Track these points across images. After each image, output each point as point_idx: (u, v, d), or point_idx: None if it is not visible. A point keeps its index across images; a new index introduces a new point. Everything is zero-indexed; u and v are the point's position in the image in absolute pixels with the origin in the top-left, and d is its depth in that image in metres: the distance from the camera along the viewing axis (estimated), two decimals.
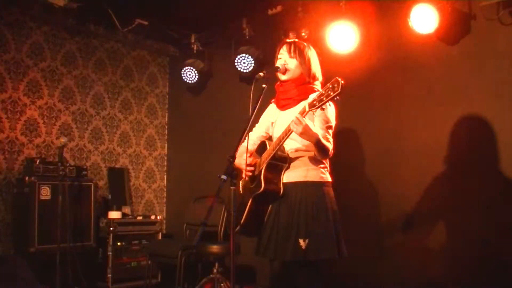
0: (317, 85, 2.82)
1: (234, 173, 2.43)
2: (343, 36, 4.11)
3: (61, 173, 4.33)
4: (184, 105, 5.95)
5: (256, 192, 2.67)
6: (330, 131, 2.72)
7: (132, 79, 5.83)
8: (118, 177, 5.55)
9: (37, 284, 3.63)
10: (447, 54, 3.85)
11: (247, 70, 4.90)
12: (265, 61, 4.70)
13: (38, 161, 4.52)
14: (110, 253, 4.76)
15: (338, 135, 2.92)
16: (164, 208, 6.07)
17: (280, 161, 2.71)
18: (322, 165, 2.74)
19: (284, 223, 2.64)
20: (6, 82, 4.73)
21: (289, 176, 2.71)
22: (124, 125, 5.72)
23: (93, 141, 5.41)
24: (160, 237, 5.22)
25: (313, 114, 2.49)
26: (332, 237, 2.62)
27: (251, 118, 2.57)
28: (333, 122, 2.74)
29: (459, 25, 3.74)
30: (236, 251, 4.04)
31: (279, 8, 4.61)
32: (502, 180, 3.53)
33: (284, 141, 2.61)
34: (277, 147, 2.64)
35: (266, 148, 2.74)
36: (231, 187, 2.45)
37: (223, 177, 2.37)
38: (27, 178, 4.41)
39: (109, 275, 4.73)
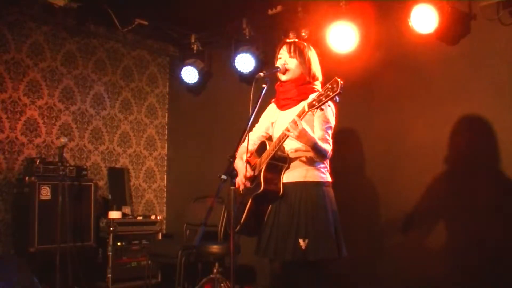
0: (317, 85, 2.82)
1: (234, 173, 2.43)
2: (343, 36, 4.11)
3: (61, 173, 4.32)
4: (184, 105, 5.95)
5: (256, 192, 2.67)
6: (330, 132, 2.71)
7: (132, 79, 5.83)
8: (118, 177, 5.55)
9: (36, 284, 3.63)
10: (447, 54, 3.85)
11: (247, 70, 4.90)
12: (265, 61, 4.70)
13: (38, 161, 4.52)
14: (110, 253, 4.77)
15: (338, 135, 2.92)
16: (164, 208, 6.07)
17: (280, 161, 2.71)
18: (322, 165, 2.74)
19: (284, 223, 2.64)
20: (6, 82, 4.73)
21: (289, 176, 2.71)
22: (124, 125, 5.72)
23: (93, 141, 5.41)
24: (160, 237, 5.22)
25: (313, 114, 2.49)
26: (332, 237, 2.62)
27: (251, 118, 2.57)
28: (332, 123, 2.73)
29: (459, 25, 3.74)
30: (236, 251, 4.05)
31: (279, 8, 4.60)
32: (502, 180, 3.53)
33: (284, 141, 2.61)
34: (277, 147, 2.64)
35: (266, 148, 2.74)
36: (231, 187, 2.45)
37: (223, 177, 2.38)
38: (27, 178, 4.41)
39: (109, 275, 4.73)
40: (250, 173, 2.75)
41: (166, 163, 6.12)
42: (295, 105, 2.75)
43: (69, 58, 5.23)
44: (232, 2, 4.62)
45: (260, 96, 2.63)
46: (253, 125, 2.88)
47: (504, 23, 3.60)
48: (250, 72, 4.87)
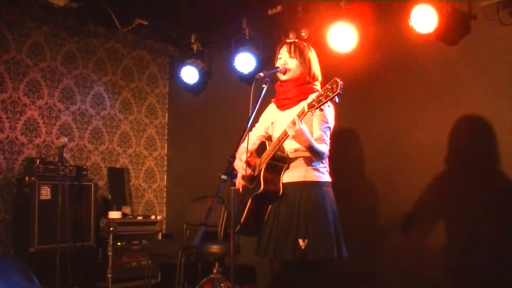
0: (317, 85, 2.82)
1: (234, 173, 2.43)
2: (343, 36, 4.11)
3: (61, 173, 4.32)
4: (184, 105, 5.95)
5: (255, 192, 2.68)
6: (328, 132, 2.71)
7: (132, 79, 5.83)
8: (118, 177, 5.55)
9: (36, 284, 3.63)
10: (447, 54, 3.85)
11: (247, 70, 4.90)
12: (265, 61, 4.70)
13: (38, 161, 4.52)
14: (110, 253, 4.77)
15: (338, 135, 2.93)
16: (164, 208, 6.07)
17: (280, 162, 2.71)
18: (321, 165, 2.74)
19: (283, 223, 2.64)
20: (6, 82, 4.73)
21: (288, 176, 2.71)
22: (124, 125, 5.72)
23: (93, 141, 5.41)
24: (160, 237, 5.22)
25: (312, 114, 2.49)
26: (332, 237, 2.62)
27: (250, 118, 2.57)
28: (331, 123, 2.73)
29: (459, 25, 3.74)
30: (236, 251, 4.05)
31: (279, 8, 4.60)
32: (502, 180, 3.53)
33: (283, 141, 2.61)
34: (277, 148, 2.64)
35: (266, 149, 2.74)
36: (231, 187, 2.45)
37: (223, 177, 2.38)
38: (27, 178, 4.41)
39: (109, 275, 4.73)
40: (249, 171, 2.75)
41: (166, 163, 6.12)
42: (295, 105, 2.76)
43: (69, 58, 5.23)
44: (232, 2, 4.61)
45: (260, 96, 2.63)
46: (253, 125, 2.88)
47: (504, 23, 3.59)
48: (250, 72, 4.86)
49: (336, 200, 2.75)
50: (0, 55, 4.70)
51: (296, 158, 2.71)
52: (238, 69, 4.95)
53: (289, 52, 2.81)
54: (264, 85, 2.66)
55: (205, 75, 5.52)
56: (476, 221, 3.60)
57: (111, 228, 4.78)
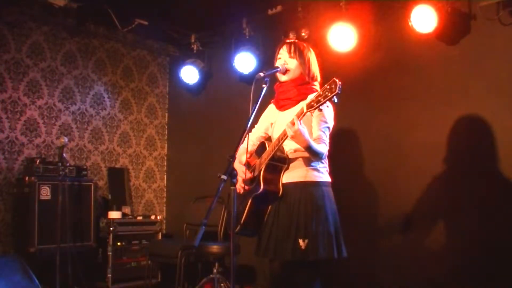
0: (316, 85, 2.81)
1: (234, 173, 2.43)
2: (343, 36, 4.11)
3: (61, 173, 4.32)
4: (184, 105, 5.95)
5: (255, 192, 2.67)
6: (327, 132, 2.71)
7: (132, 79, 5.83)
8: (118, 177, 5.55)
9: (36, 284, 3.63)
10: (447, 54, 3.85)
11: (247, 70, 4.90)
12: (265, 61, 4.70)
13: (38, 161, 4.52)
14: (110, 253, 4.77)
15: (338, 135, 2.93)
16: (164, 208, 6.07)
17: (279, 162, 2.70)
18: (321, 165, 2.73)
19: (283, 223, 2.64)
20: (6, 82, 4.73)
21: (288, 176, 2.70)
22: (124, 125, 5.72)
23: (93, 141, 5.41)
24: (160, 237, 5.22)
25: (311, 114, 2.49)
26: (332, 237, 2.62)
27: (250, 118, 2.56)
28: (330, 123, 2.73)
29: (459, 25, 3.74)
30: (236, 251, 4.05)
31: (279, 8, 4.61)
32: (502, 180, 3.53)
33: (283, 142, 2.60)
34: (276, 148, 2.64)
35: (266, 149, 2.74)
36: (231, 187, 2.44)
37: (223, 177, 2.37)
38: (27, 178, 4.41)
39: (109, 275, 4.73)
40: (249, 175, 2.75)
41: (166, 163, 6.12)
42: (294, 105, 2.75)
43: (69, 58, 5.23)
44: (232, 2, 4.62)
45: (260, 96, 2.63)
46: (252, 126, 2.88)
47: (504, 23, 3.60)
48: (250, 72, 4.86)
49: (336, 200, 2.74)
50: (0, 55, 4.70)
51: (295, 158, 2.71)
52: (238, 69, 4.95)
53: (289, 52, 2.80)
54: (264, 85, 2.66)
55: (205, 75, 5.52)
56: (476, 221, 3.60)
57: (111, 228, 4.78)
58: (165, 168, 6.12)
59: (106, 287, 4.73)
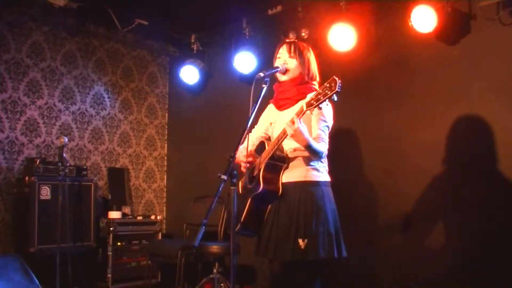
0: (315, 85, 2.81)
1: (234, 173, 2.43)
2: (343, 36, 4.11)
3: (61, 173, 4.32)
4: (184, 105, 5.95)
5: (255, 192, 2.67)
6: (327, 131, 2.71)
7: (132, 79, 5.83)
8: (118, 177, 5.55)
9: (36, 284, 3.63)
10: (447, 54, 3.85)
11: (247, 70, 4.89)
12: (265, 61, 4.69)
13: (38, 161, 4.52)
14: (110, 253, 4.77)
15: (338, 135, 2.92)
16: (164, 208, 6.07)
17: (279, 161, 2.70)
18: (321, 165, 2.73)
19: (283, 223, 2.64)
20: (6, 82, 4.73)
21: (288, 176, 2.70)
22: (124, 125, 5.72)
23: (93, 141, 5.41)
24: (160, 237, 5.22)
25: (311, 113, 2.49)
26: (331, 237, 2.62)
27: (250, 118, 2.56)
28: (330, 122, 2.73)
29: (459, 25, 3.74)
30: (236, 251, 4.05)
31: (279, 8, 4.61)
32: (502, 180, 3.53)
33: (282, 141, 2.60)
34: (276, 147, 2.64)
35: (265, 148, 2.74)
36: (231, 187, 2.44)
37: (223, 177, 2.37)
38: (27, 178, 4.41)
39: (109, 275, 4.73)
40: (250, 159, 2.74)
41: (166, 163, 6.12)
42: (293, 105, 2.75)
43: (69, 58, 5.23)
44: (232, 2, 4.61)
45: (260, 96, 2.63)
46: (252, 126, 2.88)
47: (504, 23, 3.59)
48: (250, 72, 4.86)
49: (336, 200, 2.74)
50: (0, 55, 4.70)
51: (295, 157, 2.71)
52: (238, 69, 4.95)
53: (289, 52, 2.80)
54: (264, 85, 2.66)
55: (205, 75, 5.52)
56: (476, 221, 3.60)
57: (111, 228, 4.78)
58: (165, 168, 6.12)
59: (106, 287, 4.73)
